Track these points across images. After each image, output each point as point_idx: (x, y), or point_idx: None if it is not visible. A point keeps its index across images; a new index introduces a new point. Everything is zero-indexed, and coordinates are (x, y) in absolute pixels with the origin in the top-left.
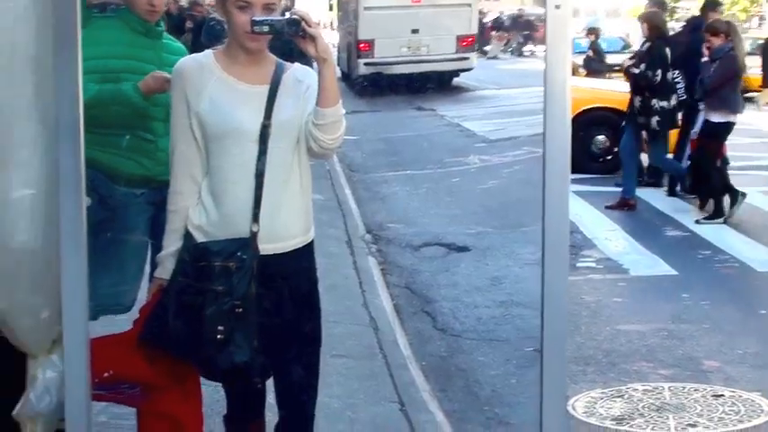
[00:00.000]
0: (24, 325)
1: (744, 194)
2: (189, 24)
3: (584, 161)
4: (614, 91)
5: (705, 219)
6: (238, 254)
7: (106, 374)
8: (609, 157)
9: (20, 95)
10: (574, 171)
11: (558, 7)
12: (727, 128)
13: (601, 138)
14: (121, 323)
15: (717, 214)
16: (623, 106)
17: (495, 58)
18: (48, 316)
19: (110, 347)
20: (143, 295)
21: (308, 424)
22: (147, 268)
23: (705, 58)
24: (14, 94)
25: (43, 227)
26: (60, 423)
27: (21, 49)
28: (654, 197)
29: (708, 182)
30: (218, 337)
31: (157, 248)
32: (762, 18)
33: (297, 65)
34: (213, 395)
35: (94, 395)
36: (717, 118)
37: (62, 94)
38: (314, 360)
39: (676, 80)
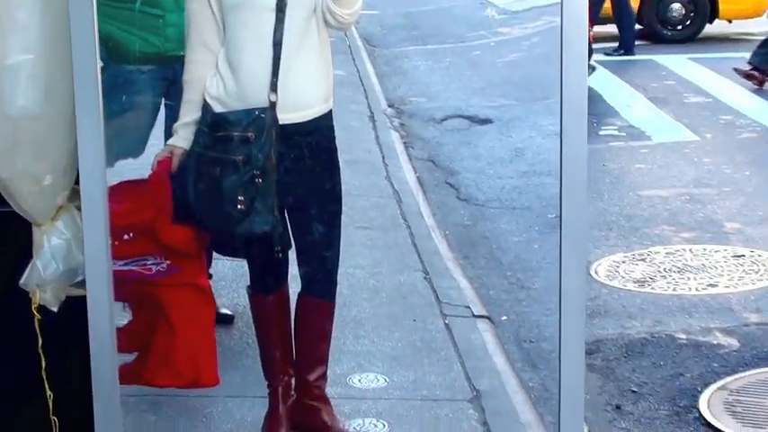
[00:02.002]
0: (28, 193)
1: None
2: None
3: (661, 29)
4: None
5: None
6: (257, 123)
7: (126, 237)
8: (687, 24)
9: None
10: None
11: None
12: None
13: (676, 5)
14: None
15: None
16: None
17: None
18: (51, 183)
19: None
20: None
21: (330, 280)
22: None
23: None
24: None
25: (43, 92)
26: (69, 290)
27: None
28: (675, 63)
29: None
30: (239, 207)
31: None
32: None
33: None
34: (237, 270)
35: (118, 271)
36: None
37: None
38: (336, 220)
39: None
